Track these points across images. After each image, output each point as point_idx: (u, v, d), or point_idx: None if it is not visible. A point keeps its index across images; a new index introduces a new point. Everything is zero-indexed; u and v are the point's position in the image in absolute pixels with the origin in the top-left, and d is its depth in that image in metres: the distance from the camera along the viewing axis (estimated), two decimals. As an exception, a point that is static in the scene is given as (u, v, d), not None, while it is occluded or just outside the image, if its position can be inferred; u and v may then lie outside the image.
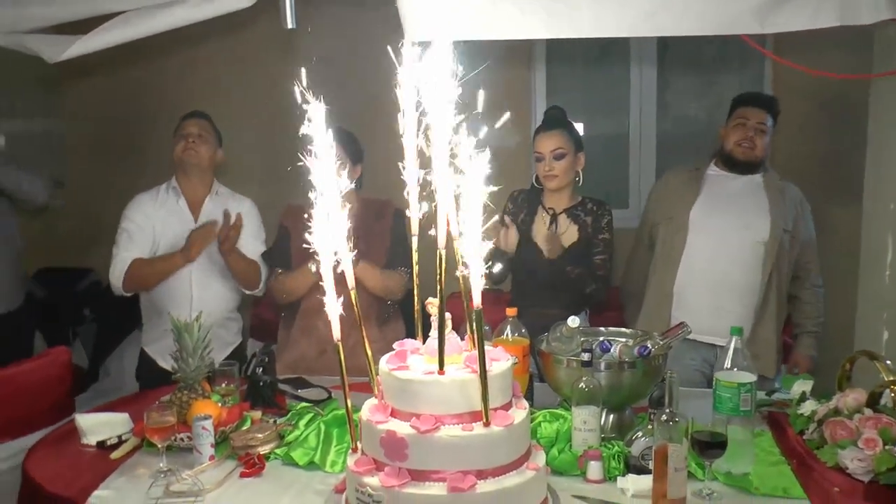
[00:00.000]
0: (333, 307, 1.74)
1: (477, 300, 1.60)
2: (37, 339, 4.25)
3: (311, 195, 1.72)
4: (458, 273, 1.60)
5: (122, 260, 3.04)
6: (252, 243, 3.14)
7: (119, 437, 2.28)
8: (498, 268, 2.89)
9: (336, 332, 1.78)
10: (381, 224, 2.99)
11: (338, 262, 1.75)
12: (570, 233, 2.95)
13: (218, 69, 4.48)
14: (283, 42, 4.00)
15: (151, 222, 3.11)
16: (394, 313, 3.06)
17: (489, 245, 1.56)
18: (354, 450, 1.83)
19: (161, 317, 3.06)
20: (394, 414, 1.72)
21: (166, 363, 3.02)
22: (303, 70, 1.64)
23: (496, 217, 2.89)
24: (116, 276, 3.04)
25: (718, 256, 2.94)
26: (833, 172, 3.89)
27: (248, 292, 3.19)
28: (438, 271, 1.64)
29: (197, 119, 3.15)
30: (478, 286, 1.59)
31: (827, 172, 3.93)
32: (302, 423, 2.30)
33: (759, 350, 2.90)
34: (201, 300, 3.02)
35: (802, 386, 2.37)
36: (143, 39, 2.64)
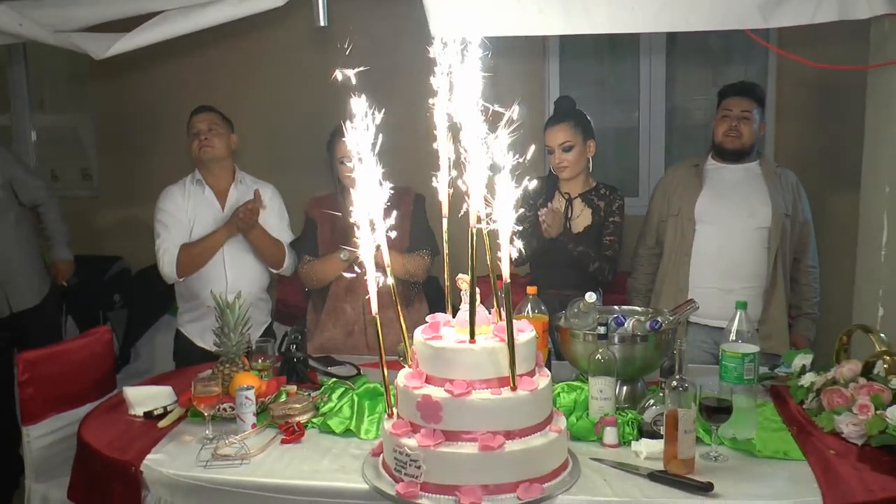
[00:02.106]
0: (372, 284, 1.90)
1: (506, 275, 1.76)
2: (69, 325, 4.44)
3: (349, 182, 1.89)
4: (499, 249, 1.75)
5: (168, 250, 3.15)
6: (277, 225, 3.28)
7: (164, 408, 2.44)
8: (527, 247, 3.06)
9: (374, 307, 1.94)
10: (401, 210, 3.10)
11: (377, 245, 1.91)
12: (584, 216, 3.11)
13: (242, 65, 4.63)
14: (308, 38, 4.15)
15: (184, 211, 3.24)
16: (417, 295, 3.22)
17: (518, 227, 1.73)
18: (390, 415, 1.99)
19: (197, 298, 3.22)
20: (429, 380, 1.88)
21: (203, 342, 3.19)
22: (349, 70, 1.79)
23: (528, 213, 3.06)
24: (167, 265, 3.15)
25: (726, 245, 3.08)
26: (834, 159, 4.04)
27: (274, 271, 3.32)
28: (470, 248, 1.80)
29: (205, 114, 3.24)
30: (507, 263, 1.76)
31: (828, 159, 4.08)
32: (335, 395, 2.46)
33: (771, 330, 3.07)
34: (235, 281, 3.16)
35: (803, 360, 2.51)
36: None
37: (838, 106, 3.99)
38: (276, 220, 3.29)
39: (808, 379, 2.40)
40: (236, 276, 3.21)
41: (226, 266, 3.21)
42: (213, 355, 2.59)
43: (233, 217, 3.13)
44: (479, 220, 1.79)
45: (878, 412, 2.09)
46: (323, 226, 3.17)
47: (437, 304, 2.98)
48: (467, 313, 1.87)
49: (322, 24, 2.62)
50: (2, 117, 5.31)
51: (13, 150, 4.67)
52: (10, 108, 5.22)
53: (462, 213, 1.80)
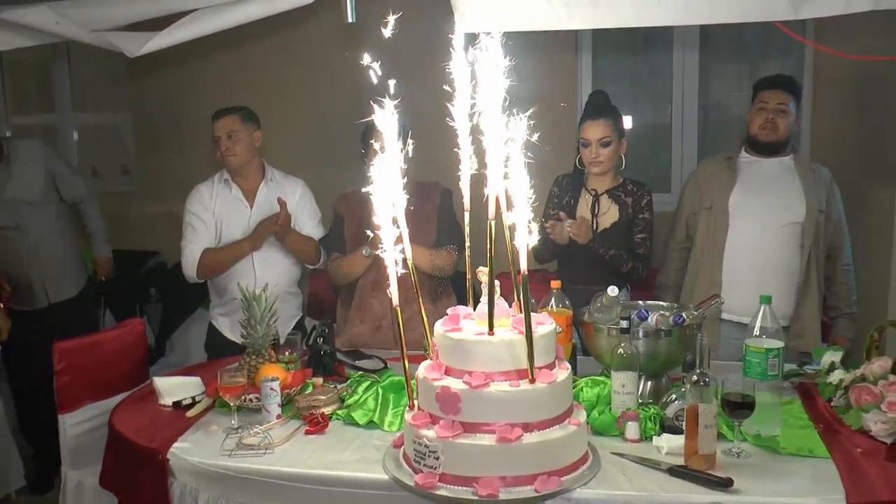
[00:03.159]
0: (393, 276, 1.91)
1: (523, 266, 1.76)
2: (108, 318, 4.54)
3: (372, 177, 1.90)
4: (512, 237, 1.75)
5: (191, 252, 3.22)
6: (308, 222, 3.33)
7: (193, 398, 2.50)
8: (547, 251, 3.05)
9: (395, 299, 1.96)
10: (429, 205, 3.13)
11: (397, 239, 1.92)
12: (611, 213, 3.09)
13: (273, 62, 4.70)
14: (337, 35, 4.19)
15: (211, 211, 3.28)
16: (445, 290, 3.21)
17: (536, 214, 1.73)
18: (411, 407, 2.00)
19: (226, 293, 3.28)
20: (448, 372, 1.89)
21: (233, 335, 3.25)
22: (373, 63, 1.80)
23: (552, 212, 3.04)
24: (189, 266, 3.22)
25: (760, 240, 3.03)
26: (871, 154, 3.96)
27: (310, 267, 3.38)
28: (488, 240, 1.81)
29: (223, 119, 3.24)
30: (524, 254, 1.76)
31: (865, 154, 3.99)
32: (360, 388, 2.49)
33: (803, 328, 3.02)
34: (263, 276, 3.19)
35: (832, 356, 2.46)
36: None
37: (876, 100, 3.91)
38: (307, 217, 3.33)
39: (836, 376, 2.36)
40: (264, 271, 3.24)
41: (254, 261, 3.26)
42: (243, 347, 2.64)
43: (258, 229, 3.18)
44: (497, 211, 1.80)
45: (907, 410, 2.06)
46: (350, 222, 3.20)
47: (465, 300, 2.99)
48: (486, 305, 1.87)
49: (350, 20, 2.64)
50: (46, 116, 5.45)
51: (56, 147, 4.78)
52: (53, 106, 5.35)
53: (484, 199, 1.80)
